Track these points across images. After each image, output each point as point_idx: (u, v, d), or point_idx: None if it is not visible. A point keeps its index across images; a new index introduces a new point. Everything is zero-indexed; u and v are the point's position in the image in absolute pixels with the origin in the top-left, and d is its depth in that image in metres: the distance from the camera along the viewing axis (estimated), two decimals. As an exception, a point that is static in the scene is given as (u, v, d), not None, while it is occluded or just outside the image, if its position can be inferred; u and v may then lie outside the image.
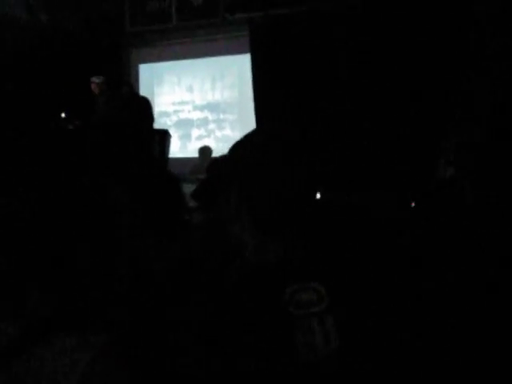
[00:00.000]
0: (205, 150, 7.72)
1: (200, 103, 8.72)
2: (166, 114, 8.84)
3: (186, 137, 8.81)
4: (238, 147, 1.19)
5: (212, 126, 8.67)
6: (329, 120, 6.68)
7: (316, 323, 1.01)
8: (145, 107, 6.87)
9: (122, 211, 1.75)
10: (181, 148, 8.69)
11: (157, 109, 8.31)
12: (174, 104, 8.90)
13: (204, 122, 8.72)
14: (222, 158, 1.26)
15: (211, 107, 8.64)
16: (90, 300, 1.21)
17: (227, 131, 8.50)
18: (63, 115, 6.60)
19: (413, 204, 3.69)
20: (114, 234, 1.60)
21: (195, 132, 8.79)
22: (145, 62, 8.99)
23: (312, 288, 1.02)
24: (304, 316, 1.00)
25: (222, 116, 8.58)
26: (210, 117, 8.67)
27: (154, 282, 1.36)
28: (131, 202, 1.69)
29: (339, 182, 5.34)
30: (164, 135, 7.12)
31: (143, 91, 8.50)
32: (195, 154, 8.22)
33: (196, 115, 8.77)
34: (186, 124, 8.82)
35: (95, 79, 6.87)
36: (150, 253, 1.48)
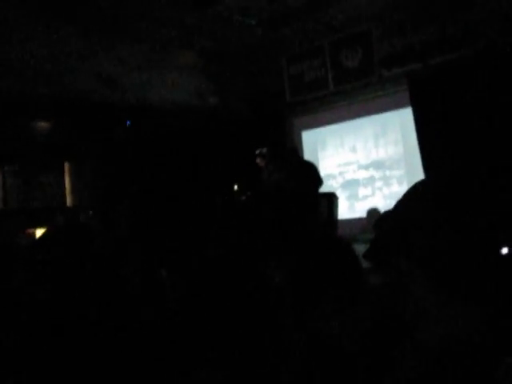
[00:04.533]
0: (372, 212, 7.61)
1: (364, 162, 8.67)
2: (331, 176, 8.93)
3: (353, 197, 8.77)
4: (403, 200, 1.10)
5: (379, 183, 8.53)
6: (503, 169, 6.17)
7: None
8: (312, 173, 7.07)
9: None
10: (349, 208, 8.65)
11: (322, 172, 8.42)
12: (339, 166, 8.97)
13: (370, 180, 8.63)
14: (389, 212, 1.16)
15: (376, 165, 8.53)
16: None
17: (395, 188, 8.28)
18: (236, 187, 7.00)
19: None
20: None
21: (362, 191, 8.72)
22: (307, 128, 9.28)
23: None
24: None
25: (388, 173, 8.42)
26: (376, 175, 8.55)
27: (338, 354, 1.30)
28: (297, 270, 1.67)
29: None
30: (331, 198, 7.20)
31: (308, 156, 8.73)
32: (363, 214, 8.12)
33: (361, 174, 8.72)
34: (352, 184, 8.80)
35: (259, 151, 7.22)
36: (332, 324, 1.43)
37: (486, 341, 0.89)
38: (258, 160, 7.25)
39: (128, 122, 9.52)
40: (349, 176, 8.87)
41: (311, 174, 7.00)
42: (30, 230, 6.68)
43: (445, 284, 0.94)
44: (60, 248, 1.91)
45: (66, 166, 10.31)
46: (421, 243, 0.97)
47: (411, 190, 1.09)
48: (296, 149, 7.64)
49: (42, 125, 9.25)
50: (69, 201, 10.26)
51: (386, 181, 8.43)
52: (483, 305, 0.92)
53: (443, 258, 0.94)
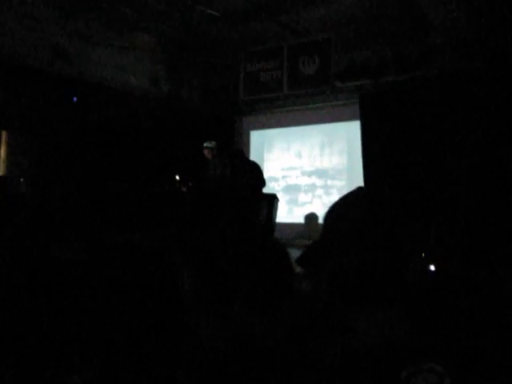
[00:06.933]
0: (310, 217, 7.70)
1: (308, 169, 8.79)
2: (274, 179, 8.99)
3: (293, 202, 8.86)
4: (332, 210, 1.12)
5: (319, 191, 8.66)
6: (441, 187, 6.42)
7: None
8: (255, 172, 7.10)
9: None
10: (288, 213, 8.73)
11: (266, 174, 8.47)
12: (282, 169, 9.04)
13: (311, 187, 8.75)
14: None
15: (319, 173, 8.66)
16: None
17: (334, 197, 8.34)
18: (177, 178, 6.91)
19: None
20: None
21: (302, 197, 8.82)
22: (256, 128, 9.31)
23: (429, 369, 0.89)
24: None
25: (329, 182, 8.56)
26: (318, 183, 8.68)
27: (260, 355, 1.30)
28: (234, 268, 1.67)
29: (462, 254, 4.98)
30: (272, 200, 7.25)
31: (254, 157, 8.75)
32: (302, 219, 8.22)
33: (304, 181, 8.82)
34: (293, 189, 8.90)
35: (208, 144, 7.18)
36: (256, 326, 1.43)
37: (388, 350, 0.92)
38: (205, 152, 7.20)
39: (74, 98, 9.23)
40: (291, 181, 8.96)
41: (255, 174, 7.03)
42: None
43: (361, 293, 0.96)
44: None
45: (3, 134, 9.88)
46: (344, 254, 0.99)
47: (340, 202, 1.10)
48: (242, 149, 7.67)
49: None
50: (3, 170, 9.85)
51: (327, 190, 8.58)
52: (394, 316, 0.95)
53: (361, 270, 0.96)
